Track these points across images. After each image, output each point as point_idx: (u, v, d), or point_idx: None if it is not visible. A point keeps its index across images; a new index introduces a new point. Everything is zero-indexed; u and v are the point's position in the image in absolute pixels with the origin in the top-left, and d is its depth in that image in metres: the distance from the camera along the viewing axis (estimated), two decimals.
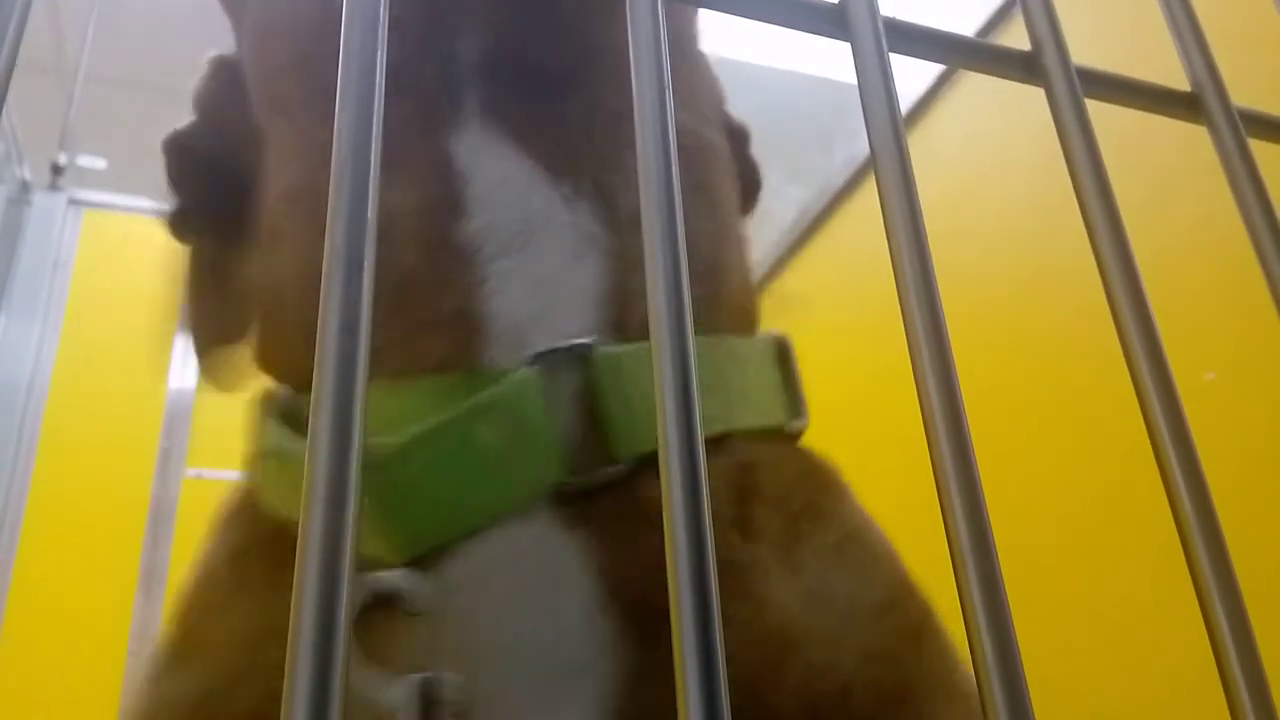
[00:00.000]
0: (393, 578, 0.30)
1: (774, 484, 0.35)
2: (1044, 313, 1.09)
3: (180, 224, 0.48)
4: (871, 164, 0.19)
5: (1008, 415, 1.09)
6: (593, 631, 0.30)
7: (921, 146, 1.31)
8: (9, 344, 2.04)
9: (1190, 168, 0.90)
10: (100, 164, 2.80)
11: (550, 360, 0.33)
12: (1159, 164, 0.93)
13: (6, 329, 2.05)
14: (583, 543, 0.31)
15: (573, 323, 0.34)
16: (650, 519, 0.32)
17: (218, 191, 0.46)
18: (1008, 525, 1.05)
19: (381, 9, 0.15)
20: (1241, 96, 0.23)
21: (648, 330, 0.36)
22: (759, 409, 0.37)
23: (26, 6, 0.15)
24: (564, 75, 0.38)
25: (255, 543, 0.36)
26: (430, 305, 0.34)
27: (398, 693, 0.27)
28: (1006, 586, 0.16)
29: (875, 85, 0.20)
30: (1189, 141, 0.31)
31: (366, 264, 0.15)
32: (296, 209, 0.38)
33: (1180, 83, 0.24)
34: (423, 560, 0.31)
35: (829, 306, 1.49)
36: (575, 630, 0.30)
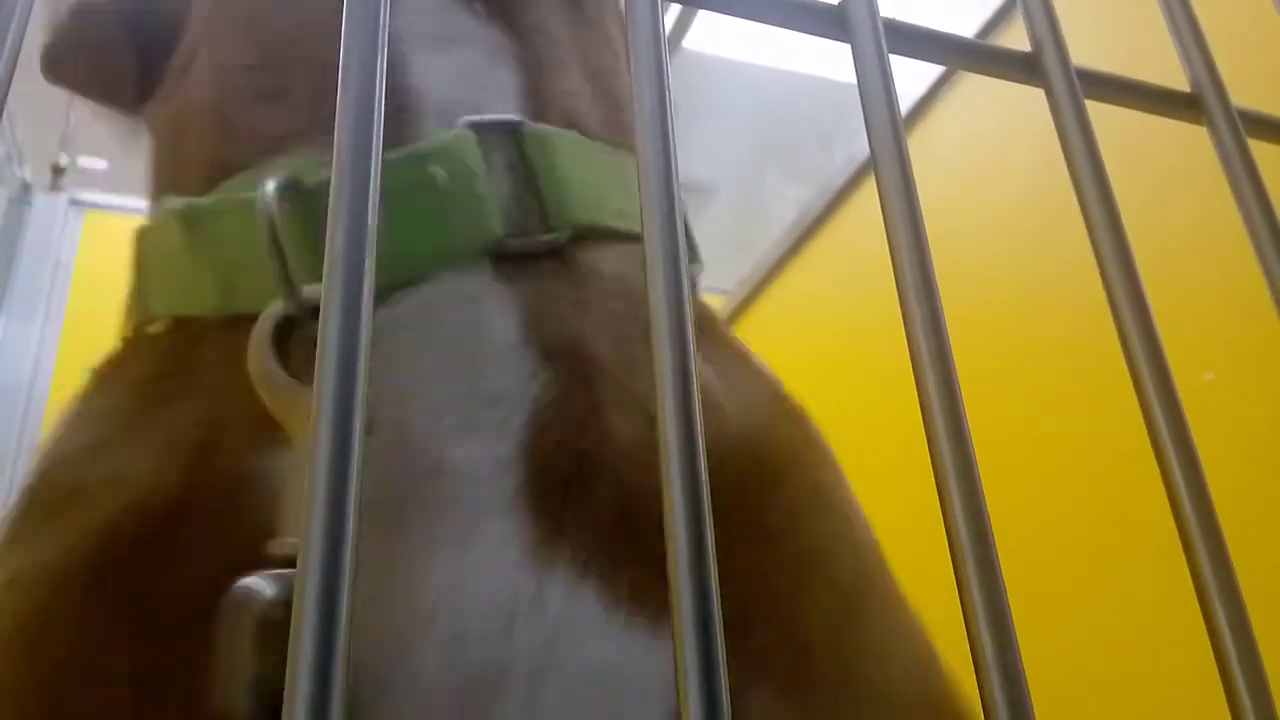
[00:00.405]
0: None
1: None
2: (1045, 313, 1.09)
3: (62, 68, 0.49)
4: (871, 164, 0.19)
5: (1008, 415, 1.09)
6: (516, 366, 0.31)
7: (922, 147, 1.31)
8: (10, 344, 2.04)
9: (1191, 168, 0.90)
10: (101, 165, 2.80)
11: (484, 129, 0.34)
12: (1160, 164, 0.93)
13: (7, 329, 2.06)
14: (516, 293, 0.33)
15: (497, 108, 0.36)
16: (580, 280, 0.34)
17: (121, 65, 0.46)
18: (1008, 525, 1.05)
19: (383, 12, 0.15)
20: (1241, 97, 0.23)
21: (565, 124, 0.37)
22: None
23: (28, 8, 0.15)
24: None
25: (156, 368, 0.35)
26: None
27: (303, 405, 0.28)
28: (1007, 587, 0.16)
29: (875, 86, 0.20)
30: (1189, 142, 0.31)
31: (367, 265, 0.15)
32: (227, 18, 0.40)
33: (1180, 83, 0.24)
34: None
35: (829, 306, 1.49)
36: (500, 364, 0.31)
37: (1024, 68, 0.22)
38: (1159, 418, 0.17)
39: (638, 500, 0.29)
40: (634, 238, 0.36)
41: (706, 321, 0.39)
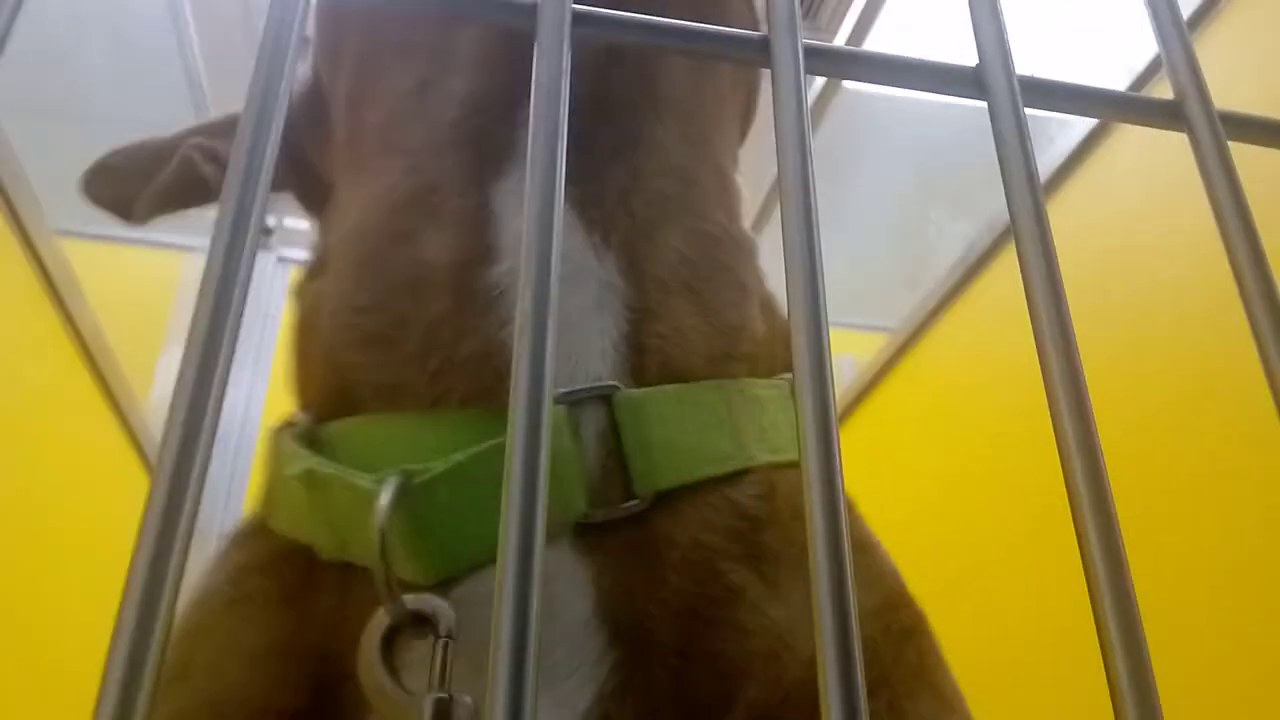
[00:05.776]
0: (425, 599, 0.32)
1: (794, 505, 0.38)
2: (1210, 385, 1.01)
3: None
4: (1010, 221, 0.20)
5: (1163, 495, 1.02)
6: (585, 644, 0.33)
7: (1068, 210, 1.24)
8: None
9: None
10: (304, 226, 3.06)
11: (575, 399, 0.36)
12: None
13: None
14: (593, 568, 0.34)
15: (594, 366, 0.37)
16: (657, 551, 0.35)
17: None
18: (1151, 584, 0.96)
19: (563, 88, 0.18)
20: None
21: (663, 377, 0.38)
22: (777, 445, 0.40)
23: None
24: (611, 146, 0.41)
25: (261, 560, 0.38)
26: (457, 345, 0.37)
27: (415, 713, 0.30)
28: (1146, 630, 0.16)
29: (1013, 144, 0.21)
30: None
31: (552, 281, 0.17)
32: (350, 250, 0.41)
33: None
34: (449, 583, 0.33)
35: (996, 343, 1.43)
36: (569, 641, 0.33)
37: (1167, 115, 0.22)
38: None
39: None
40: (734, 477, 0.37)
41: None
